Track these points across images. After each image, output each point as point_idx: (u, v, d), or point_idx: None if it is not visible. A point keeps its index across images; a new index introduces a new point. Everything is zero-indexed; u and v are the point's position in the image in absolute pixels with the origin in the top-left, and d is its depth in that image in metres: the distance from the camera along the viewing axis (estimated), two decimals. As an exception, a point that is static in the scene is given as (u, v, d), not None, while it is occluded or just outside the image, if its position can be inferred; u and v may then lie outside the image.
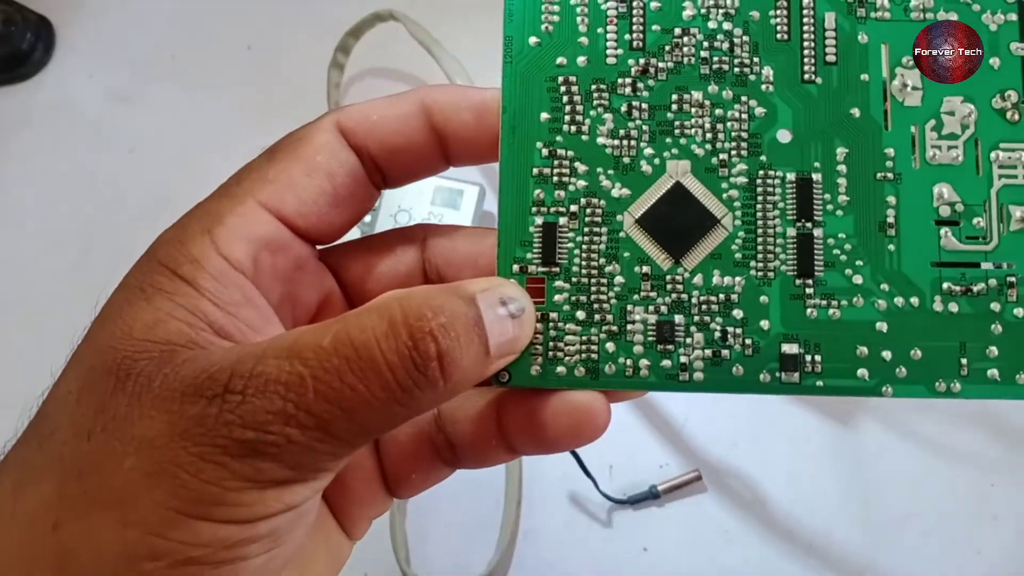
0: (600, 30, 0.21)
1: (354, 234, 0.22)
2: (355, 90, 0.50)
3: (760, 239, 0.20)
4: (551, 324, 0.20)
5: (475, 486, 0.43)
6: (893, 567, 0.41)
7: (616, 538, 0.43)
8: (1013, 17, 0.21)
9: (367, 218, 0.46)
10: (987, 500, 0.42)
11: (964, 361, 0.20)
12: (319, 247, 0.21)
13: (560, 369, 0.20)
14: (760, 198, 0.20)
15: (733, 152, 0.20)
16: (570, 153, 0.20)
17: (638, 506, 0.42)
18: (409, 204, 0.46)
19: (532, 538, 0.43)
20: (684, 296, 0.20)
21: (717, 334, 0.20)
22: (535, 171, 0.20)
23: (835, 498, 0.42)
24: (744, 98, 0.20)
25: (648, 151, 0.20)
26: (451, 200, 0.46)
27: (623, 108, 0.20)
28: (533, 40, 0.21)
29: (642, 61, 0.21)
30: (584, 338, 0.20)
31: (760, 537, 0.42)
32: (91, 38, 0.52)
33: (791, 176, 0.20)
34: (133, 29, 0.52)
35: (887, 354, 0.20)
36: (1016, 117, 0.20)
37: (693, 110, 0.20)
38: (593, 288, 0.20)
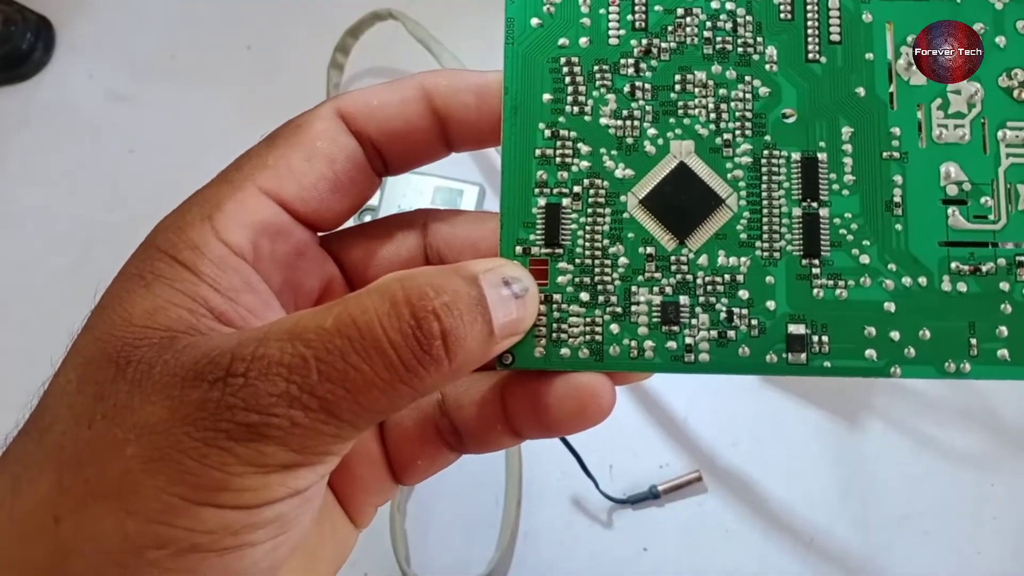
0: (602, 11, 0.20)
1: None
2: (354, 90, 0.50)
3: (765, 219, 0.20)
4: (555, 306, 0.20)
5: (475, 485, 0.43)
6: (893, 567, 0.41)
7: (616, 538, 0.42)
8: None
9: (367, 218, 0.45)
10: (987, 500, 0.42)
11: (974, 341, 0.19)
12: (320, 234, 0.21)
13: (564, 351, 0.20)
14: (765, 178, 0.20)
15: (737, 132, 0.20)
16: (573, 134, 0.20)
17: (638, 506, 0.42)
18: (409, 204, 0.46)
19: (532, 538, 0.42)
20: (689, 277, 0.20)
21: (723, 315, 0.20)
22: (537, 152, 0.20)
23: (835, 498, 0.42)
24: (748, 78, 0.20)
25: (651, 131, 0.20)
26: (451, 200, 0.46)
27: (626, 88, 0.20)
28: (535, 21, 0.20)
29: (644, 42, 0.20)
30: (588, 320, 0.20)
31: (760, 537, 0.42)
32: (91, 38, 0.52)
33: (796, 156, 0.20)
34: (133, 29, 0.52)
35: (895, 334, 0.19)
36: (1023, 96, 0.20)
37: (696, 90, 0.20)
38: (597, 269, 0.20)
